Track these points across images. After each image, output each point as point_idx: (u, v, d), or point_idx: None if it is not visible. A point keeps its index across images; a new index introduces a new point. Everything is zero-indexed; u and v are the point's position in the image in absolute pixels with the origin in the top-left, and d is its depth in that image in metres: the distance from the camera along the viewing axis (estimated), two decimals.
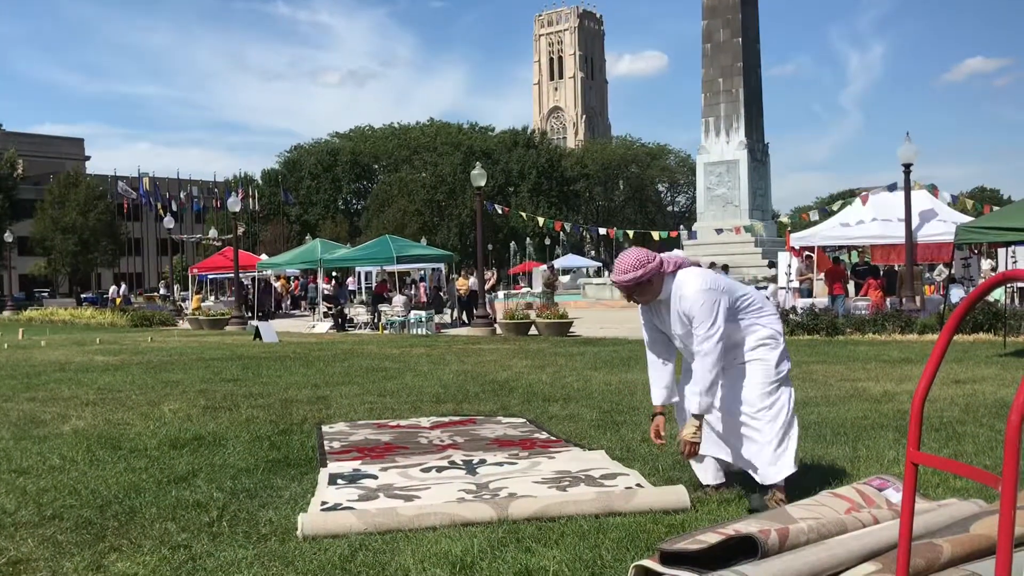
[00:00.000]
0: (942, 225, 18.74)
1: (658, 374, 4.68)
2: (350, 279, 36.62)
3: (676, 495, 4.48)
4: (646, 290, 4.43)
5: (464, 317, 24.77)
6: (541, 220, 32.89)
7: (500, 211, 34.82)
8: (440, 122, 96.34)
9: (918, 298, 19.05)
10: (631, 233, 34.85)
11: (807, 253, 21.89)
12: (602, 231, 34.07)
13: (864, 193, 21.34)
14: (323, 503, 4.61)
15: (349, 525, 4.15)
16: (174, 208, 54.16)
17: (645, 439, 6.44)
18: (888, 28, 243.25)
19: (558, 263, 59.43)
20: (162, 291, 50.52)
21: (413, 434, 6.89)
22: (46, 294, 59.88)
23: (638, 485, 4.92)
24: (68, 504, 4.84)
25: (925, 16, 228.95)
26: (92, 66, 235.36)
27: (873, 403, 8.08)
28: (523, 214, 41.77)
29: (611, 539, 3.95)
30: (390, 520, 4.20)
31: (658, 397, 4.69)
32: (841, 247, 23.19)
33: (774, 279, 26.90)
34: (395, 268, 30.81)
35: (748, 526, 3.38)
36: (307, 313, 32.44)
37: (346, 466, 5.63)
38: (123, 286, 48.43)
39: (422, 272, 33.93)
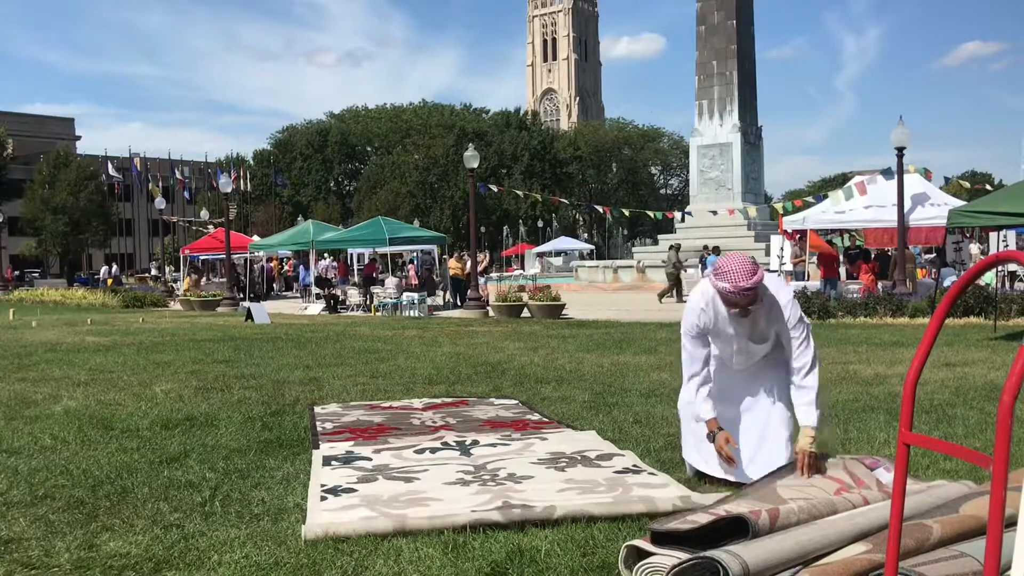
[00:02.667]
0: (934, 209, 18.78)
1: (703, 389, 4.48)
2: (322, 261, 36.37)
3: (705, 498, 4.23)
4: (757, 294, 4.24)
5: (457, 300, 24.78)
6: (539, 196, 32.86)
7: (495, 190, 34.75)
8: (433, 103, 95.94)
9: (909, 281, 19.10)
10: (627, 212, 34.78)
11: (799, 235, 21.91)
12: (599, 208, 34.06)
13: (860, 180, 21.32)
14: (322, 485, 4.60)
15: (377, 526, 3.92)
16: (161, 185, 53.76)
17: (637, 420, 6.46)
18: (885, 11, 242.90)
19: (549, 246, 59.39)
20: (153, 272, 50.41)
21: (405, 415, 6.89)
22: (37, 274, 59.63)
23: (634, 466, 4.94)
24: (60, 484, 4.84)
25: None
26: (83, 45, 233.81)
27: (864, 386, 8.11)
28: (519, 192, 41.73)
29: (603, 519, 3.96)
30: (411, 523, 3.93)
31: (711, 410, 4.44)
32: (833, 230, 23.22)
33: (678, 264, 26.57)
34: (387, 250, 30.79)
35: (738, 507, 3.39)
36: (297, 295, 32.42)
37: (339, 447, 5.63)
38: (114, 267, 48.32)
39: (413, 254, 33.92)
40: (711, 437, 4.41)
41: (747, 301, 4.21)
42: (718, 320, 4.41)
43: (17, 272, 54.53)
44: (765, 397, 4.53)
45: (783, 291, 4.37)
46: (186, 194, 59.88)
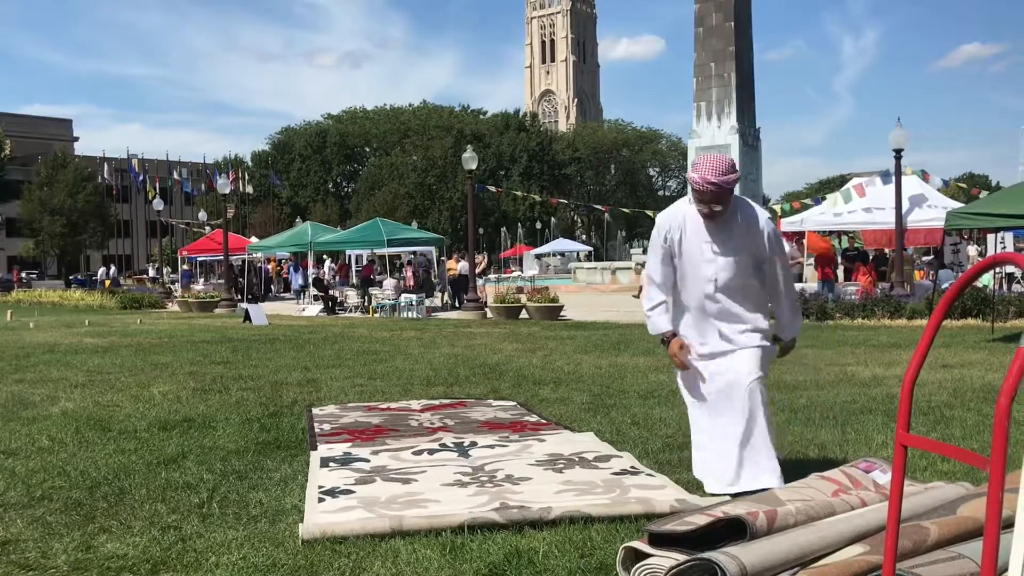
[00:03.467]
0: (932, 211, 18.80)
1: (664, 305, 4.48)
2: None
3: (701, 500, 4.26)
4: (728, 199, 4.28)
5: (455, 301, 24.79)
6: (538, 197, 33.01)
7: (493, 191, 34.80)
8: (432, 105, 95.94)
9: (907, 283, 19.13)
10: (628, 211, 34.90)
11: (797, 237, 21.93)
12: (598, 207, 34.27)
13: (859, 182, 21.35)
14: (320, 487, 4.60)
15: (375, 526, 3.92)
16: (159, 186, 53.67)
17: (635, 422, 6.46)
18: (884, 13, 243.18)
19: (547, 247, 59.31)
20: (151, 273, 50.38)
21: (403, 417, 6.89)
22: (35, 276, 59.54)
23: (632, 468, 4.93)
24: (57, 485, 4.83)
25: (922, 1, 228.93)
26: (82, 46, 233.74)
27: (862, 387, 8.12)
28: (517, 193, 41.83)
29: (600, 521, 3.96)
30: (409, 524, 3.92)
31: (668, 322, 4.47)
32: (831, 232, 23.23)
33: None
34: (385, 251, 30.78)
35: (736, 508, 3.39)
36: (290, 296, 32.45)
37: (337, 448, 5.63)
38: (112, 268, 48.25)
39: (410, 256, 33.97)
40: (665, 344, 4.47)
41: (711, 199, 4.21)
42: (686, 229, 4.37)
43: (22, 275, 54.47)
44: (735, 344, 4.38)
45: (763, 214, 4.44)
46: (192, 191, 59.60)
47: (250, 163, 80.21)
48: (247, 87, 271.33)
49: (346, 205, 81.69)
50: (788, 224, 21.56)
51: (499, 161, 77.33)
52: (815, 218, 21.11)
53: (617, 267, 36.04)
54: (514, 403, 7.51)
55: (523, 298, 20.61)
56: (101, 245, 61.76)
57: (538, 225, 70.97)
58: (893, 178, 19.13)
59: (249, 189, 58.79)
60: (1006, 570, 1.97)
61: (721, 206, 4.25)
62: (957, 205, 17.54)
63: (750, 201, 4.46)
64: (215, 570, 3.47)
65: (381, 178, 76.64)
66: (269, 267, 36.37)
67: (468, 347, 12.77)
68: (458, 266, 25.12)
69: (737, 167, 4.33)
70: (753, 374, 4.31)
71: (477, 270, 24.34)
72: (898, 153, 18.66)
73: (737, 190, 4.45)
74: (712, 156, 4.29)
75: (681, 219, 4.40)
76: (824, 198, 23.05)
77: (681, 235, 4.39)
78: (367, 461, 5.24)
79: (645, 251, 28.41)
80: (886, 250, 21.86)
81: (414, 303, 22.03)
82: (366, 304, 23.69)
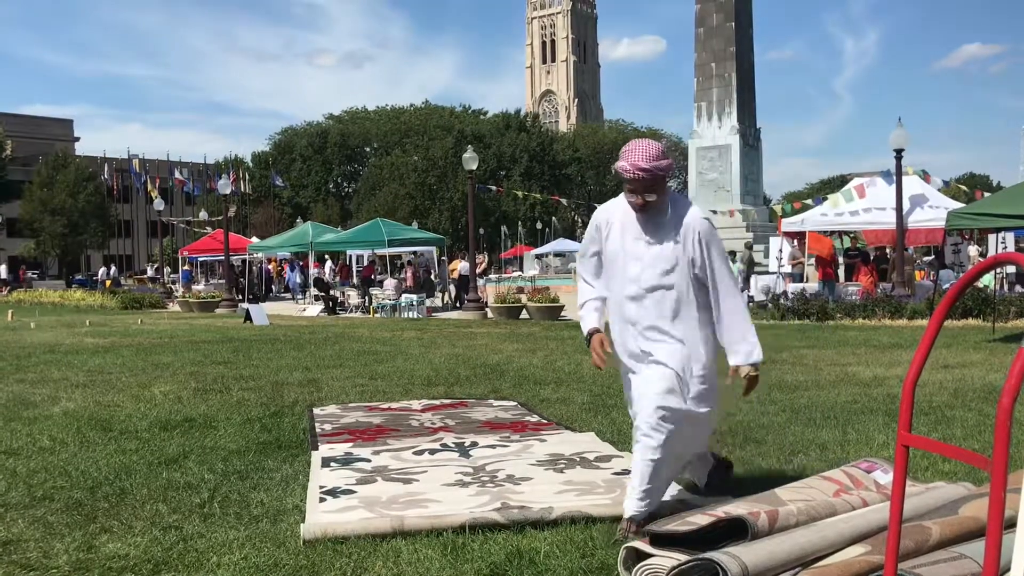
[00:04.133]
0: (933, 211, 18.80)
1: (593, 303, 4.24)
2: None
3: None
4: (662, 188, 3.93)
5: (457, 302, 24.80)
6: (539, 196, 32.98)
7: (494, 191, 34.78)
8: (433, 105, 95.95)
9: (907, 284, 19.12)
10: None
11: (798, 237, 21.91)
12: (598, 207, 34.27)
13: (859, 183, 21.33)
14: (321, 487, 4.60)
15: (376, 526, 3.92)
16: (159, 186, 53.59)
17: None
18: (884, 13, 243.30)
19: (547, 247, 59.26)
20: (150, 273, 50.39)
21: (404, 417, 6.89)
22: (35, 276, 59.52)
23: None
24: (58, 485, 4.83)
25: (922, 1, 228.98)
26: (82, 46, 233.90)
27: (863, 387, 8.11)
28: (518, 193, 41.78)
29: (602, 521, 3.96)
30: (410, 524, 3.92)
31: (596, 320, 4.21)
32: (832, 232, 23.22)
33: None
34: (386, 252, 30.80)
35: (737, 508, 3.39)
36: (285, 296, 32.46)
37: (338, 448, 5.63)
38: (113, 268, 48.27)
39: (411, 256, 34.02)
40: (587, 341, 4.21)
41: (643, 187, 3.86)
42: (614, 224, 4.05)
43: (28, 274, 54.45)
44: (652, 359, 3.99)
45: (697, 212, 3.99)
46: (194, 191, 59.52)
47: (250, 163, 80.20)
48: (247, 87, 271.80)
49: (347, 205, 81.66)
50: (789, 224, 21.56)
51: (500, 161, 77.26)
52: (816, 218, 21.10)
53: None
54: (515, 403, 7.51)
55: (524, 298, 20.62)
56: (102, 245, 61.77)
57: (539, 225, 70.89)
58: (894, 178, 19.12)
59: (249, 190, 58.73)
60: (1008, 570, 1.97)
61: (655, 195, 3.90)
62: (958, 205, 17.54)
63: (687, 199, 4.14)
64: (216, 570, 3.47)
65: (382, 178, 76.58)
66: (270, 267, 36.39)
67: (469, 347, 12.77)
68: (459, 266, 25.13)
69: (667, 154, 3.98)
70: (651, 401, 3.93)
71: (478, 270, 24.36)
72: (899, 153, 18.65)
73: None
74: (641, 141, 3.97)
75: (613, 214, 4.11)
76: (825, 198, 23.00)
77: (610, 230, 4.08)
78: (368, 461, 5.24)
79: (745, 247, 28.46)
80: (887, 248, 21.84)
81: (415, 303, 22.04)
82: (367, 304, 23.70)
